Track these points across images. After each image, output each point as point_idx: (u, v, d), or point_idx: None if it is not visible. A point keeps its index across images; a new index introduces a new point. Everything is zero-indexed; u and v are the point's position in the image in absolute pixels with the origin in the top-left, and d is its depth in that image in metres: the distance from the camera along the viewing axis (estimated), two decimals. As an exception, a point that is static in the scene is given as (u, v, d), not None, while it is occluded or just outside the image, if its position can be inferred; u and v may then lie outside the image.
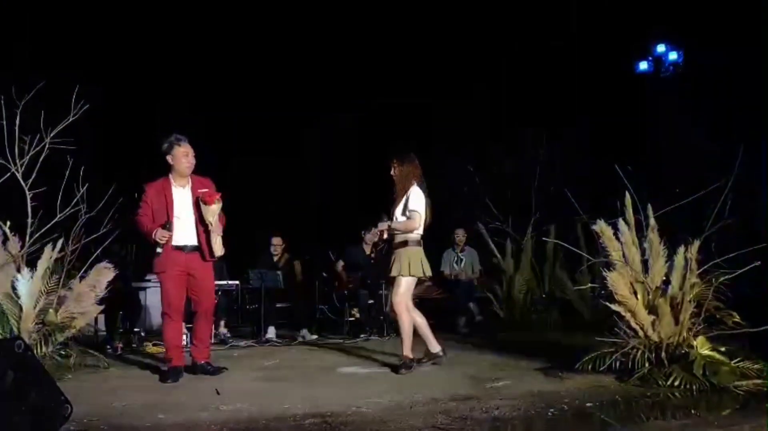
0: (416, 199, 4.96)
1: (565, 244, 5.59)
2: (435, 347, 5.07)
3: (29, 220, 4.98)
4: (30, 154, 4.98)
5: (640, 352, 4.28)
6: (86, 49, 9.88)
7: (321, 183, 12.31)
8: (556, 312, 8.47)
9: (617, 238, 4.58)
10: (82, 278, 5.18)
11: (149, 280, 7.14)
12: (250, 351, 6.54)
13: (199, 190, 4.74)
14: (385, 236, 5.19)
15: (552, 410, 3.54)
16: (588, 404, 3.68)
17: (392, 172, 5.12)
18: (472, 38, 11.37)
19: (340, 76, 11.89)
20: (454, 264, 8.62)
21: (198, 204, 4.73)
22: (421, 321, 5.06)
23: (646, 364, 4.23)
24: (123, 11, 10.49)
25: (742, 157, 4.75)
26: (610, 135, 9.80)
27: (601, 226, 4.59)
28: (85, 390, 4.12)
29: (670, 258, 4.48)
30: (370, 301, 7.88)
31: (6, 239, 5.00)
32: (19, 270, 4.90)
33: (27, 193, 4.97)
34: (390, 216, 5.10)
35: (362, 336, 7.41)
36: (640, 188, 4.69)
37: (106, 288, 5.22)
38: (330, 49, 11.82)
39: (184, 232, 4.74)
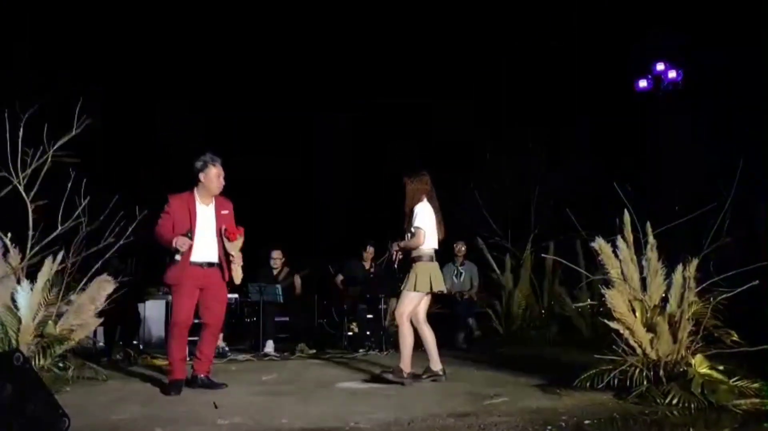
0: (420, 216, 5.05)
1: (564, 261, 5.60)
2: (436, 365, 5.09)
3: (30, 232, 4.99)
4: (32, 167, 5.00)
5: (638, 370, 4.28)
6: (86, 49, 9.91)
7: (321, 183, 12.32)
8: (555, 329, 8.48)
9: (616, 256, 4.60)
10: (81, 291, 5.19)
11: (150, 293, 7.15)
12: (248, 364, 6.53)
13: (222, 226, 4.82)
14: (399, 256, 5.28)
15: (550, 427, 3.53)
16: (586, 421, 3.68)
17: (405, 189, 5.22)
18: (472, 38, 11.43)
19: (340, 76, 11.95)
20: (454, 278, 8.63)
21: (220, 228, 4.83)
22: (430, 337, 5.11)
23: (645, 382, 4.23)
24: (123, 11, 10.54)
25: (743, 169, 4.78)
26: (610, 136, 9.87)
27: (599, 243, 4.61)
28: (83, 403, 4.11)
29: (668, 275, 4.50)
30: (369, 316, 7.88)
31: (7, 251, 5.01)
32: (19, 282, 4.91)
33: (29, 205, 4.99)
34: (403, 232, 5.18)
35: (361, 350, 7.40)
36: (639, 204, 4.72)
37: (106, 301, 5.23)
38: (330, 49, 11.88)
39: (204, 249, 4.77)
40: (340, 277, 8.39)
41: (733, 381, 4.09)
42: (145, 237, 5.04)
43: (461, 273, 8.71)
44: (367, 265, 8.24)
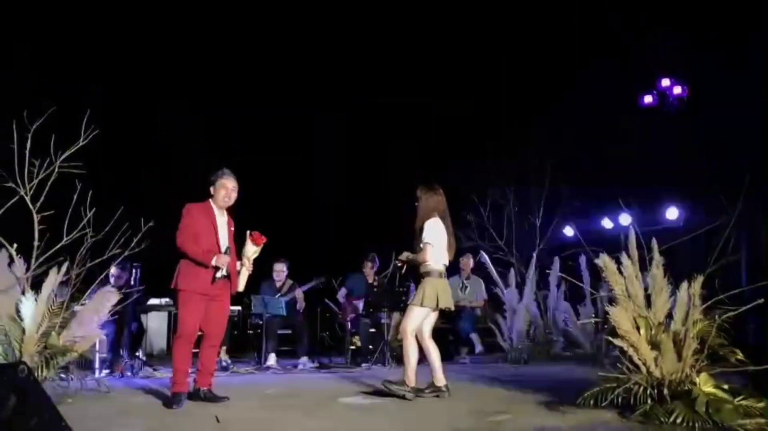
0: (429, 231, 5.06)
1: (569, 277, 5.59)
2: (440, 380, 5.07)
3: (35, 243, 4.99)
4: (39, 178, 5.01)
5: (642, 388, 4.25)
6: (86, 49, 9.96)
7: (320, 183, 12.33)
8: (559, 345, 8.44)
9: (620, 272, 4.59)
10: (85, 302, 5.20)
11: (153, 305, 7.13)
12: (250, 377, 6.52)
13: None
14: (403, 270, 5.29)
15: (553, 445, 3.51)
16: (590, 440, 3.66)
17: (416, 203, 5.22)
18: (472, 38, 11.47)
19: (340, 76, 12.00)
20: (459, 292, 8.61)
21: (234, 236, 4.90)
22: (435, 353, 5.10)
23: (649, 400, 4.19)
24: (123, 11, 10.60)
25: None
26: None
27: (604, 260, 4.60)
28: (85, 416, 4.09)
29: (673, 293, 4.48)
30: (372, 329, 7.86)
31: (12, 261, 5.02)
32: (23, 293, 4.92)
33: (35, 216, 4.99)
34: (413, 247, 5.18)
35: (363, 364, 7.38)
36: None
37: (109, 312, 5.23)
38: (329, 49, 11.94)
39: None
40: (343, 291, 8.39)
41: (738, 401, 4.05)
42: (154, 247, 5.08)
43: (467, 287, 8.69)
44: (369, 279, 8.23)
